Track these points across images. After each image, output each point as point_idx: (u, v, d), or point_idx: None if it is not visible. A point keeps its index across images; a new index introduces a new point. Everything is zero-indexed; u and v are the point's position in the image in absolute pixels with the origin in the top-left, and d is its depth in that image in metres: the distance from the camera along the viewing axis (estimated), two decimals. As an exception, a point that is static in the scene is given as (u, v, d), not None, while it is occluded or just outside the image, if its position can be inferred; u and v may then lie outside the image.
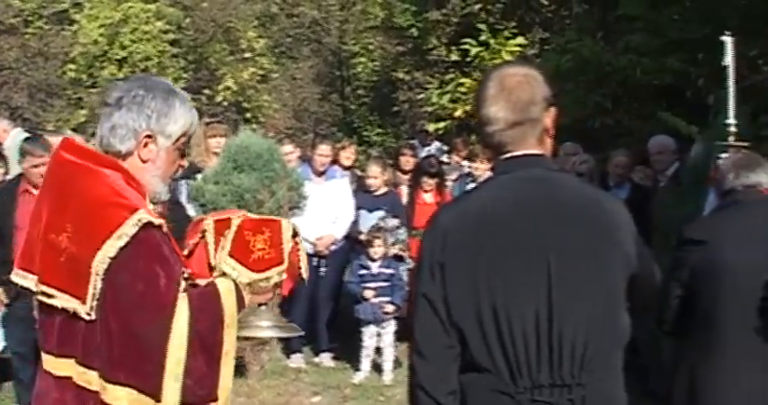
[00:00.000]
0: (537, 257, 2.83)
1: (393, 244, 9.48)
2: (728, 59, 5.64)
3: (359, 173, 11.17)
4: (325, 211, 9.41)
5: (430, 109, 17.41)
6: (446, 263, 2.85)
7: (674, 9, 15.29)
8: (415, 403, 2.94)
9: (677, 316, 4.30)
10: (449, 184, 10.41)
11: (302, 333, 3.89)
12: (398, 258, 9.36)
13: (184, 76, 22.14)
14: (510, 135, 2.95)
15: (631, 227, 3.01)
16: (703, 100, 11.10)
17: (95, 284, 2.87)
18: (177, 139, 3.20)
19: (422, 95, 19.58)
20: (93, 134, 3.60)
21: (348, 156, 10.66)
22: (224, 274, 3.17)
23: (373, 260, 9.07)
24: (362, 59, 24.76)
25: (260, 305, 3.29)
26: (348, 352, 9.61)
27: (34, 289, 3.04)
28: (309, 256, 9.41)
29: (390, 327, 9.08)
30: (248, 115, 23.09)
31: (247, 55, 23.66)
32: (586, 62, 13.98)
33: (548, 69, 14.36)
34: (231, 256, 3.18)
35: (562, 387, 2.80)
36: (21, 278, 3.11)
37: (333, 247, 9.58)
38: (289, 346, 9.63)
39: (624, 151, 9.99)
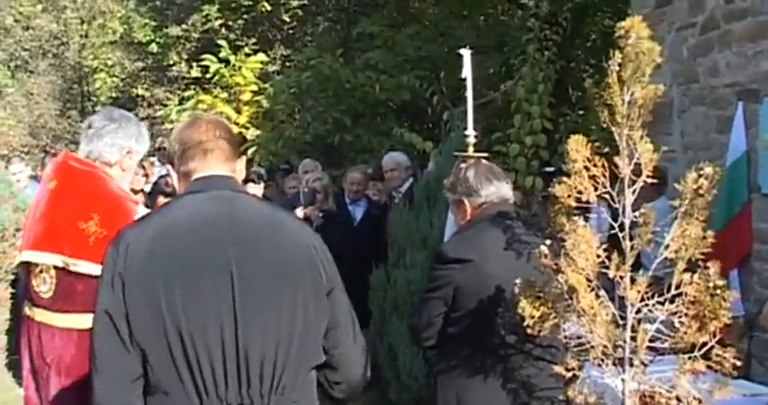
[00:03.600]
0: (218, 276, 2.82)
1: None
2: (467, 72, 5.67)
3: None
4: (56, 231, 9.05)
5: (170, 126, 17.13)
6: (125, 279, 2.81)
7: (412, 28, 15.70)
8: None
9: (441, 332, 4.28)
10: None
11: None
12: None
13: None
14: (201, 153, 3.06)
15: (320, 248, 3.04)
16: (440, 116, 11.38)
17: None
18: (141, 156, 4.58)
19: (161, 112, 19.26)
20: None
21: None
22: None
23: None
24: (102, 75, 24.06)
25: None
26: (83, 378, 9.25)
27: (59, 264, 4.25)
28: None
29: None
30: (-21, 133, 22.05)
31: (-22, 69, 22.60)
32: (326, 79, 14.12)
33: (287, 86, 14.52)
34: None
35: None
36: (39, 256, 4.34)
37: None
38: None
39: (359, 168, 10.08)
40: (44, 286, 4.35)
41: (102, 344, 2.83)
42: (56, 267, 4.28)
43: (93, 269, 3.93)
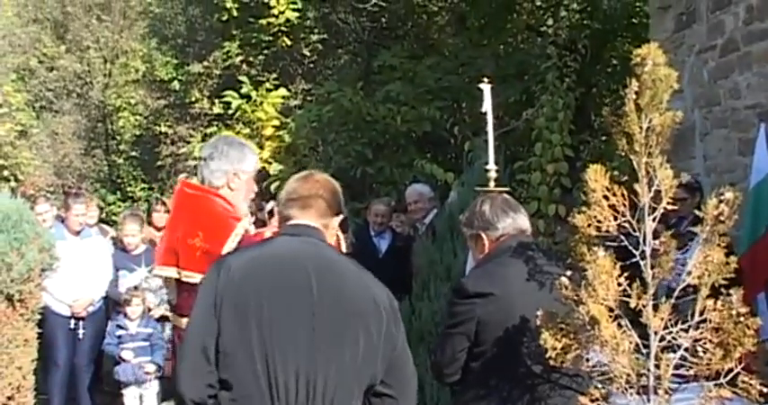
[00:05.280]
0: (301, 305, 3.28)
1: (159, 304, 9.25)
2: (487, 106, 5.65)
3: (107, 229, 10.85)
4: (83, 270, 9.09)
5: (193, 163, 17.16)
6: (223, 299, 3.30)
7: (432, 58, 15.71)
8: None
9: (463, 367, 4.24)
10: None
11: None
12: (165, 319, 9.09)
13: (-66, 133, 20.95)
14: (300, 205, 3.58)
15: (390, 305, 3.47)
16: (461, 147, 11.37)
17: None
18: (251, 174, 5.22)
19: (184, 149, 19.33)
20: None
21: (92, 214, 10.23)
22: None
23: (131, 320, 8.81)
24: (125, 114, 24.20)
25: None
26: (112, 416, 9.28)
27: (176, 276, 5.04)
28: (66, 318, 9.06)
29: (153, 388, 8.82)
30: (5, 173, 22.04)
31: (3, 110, 22.63)
32: (347, 112, 14.13)
33: (309, 120, 14.54)
34: None
35: None
36: (163, 271, 5.18)
37: (91, 309, 9.21)
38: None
39: (383, 200, 10.11)
40: (172, 295, 5.38)
41: (188, 354, 3.34)
42: (176, 280, 5.09)
43: (197, 278, 4.61)
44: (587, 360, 3.23)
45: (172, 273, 5.12)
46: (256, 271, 3.36)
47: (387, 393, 3.46)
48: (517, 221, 4.39)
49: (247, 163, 5.23)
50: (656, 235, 3.19)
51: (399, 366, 3.47)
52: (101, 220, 10.60)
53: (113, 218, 18.13)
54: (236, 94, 15.82)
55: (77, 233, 9.37)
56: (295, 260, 3.40)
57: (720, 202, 3.09)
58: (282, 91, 16.13)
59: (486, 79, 5.65)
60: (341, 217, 3.74)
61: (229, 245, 4.80)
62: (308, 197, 3.59)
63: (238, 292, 3.29)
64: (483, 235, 4.40)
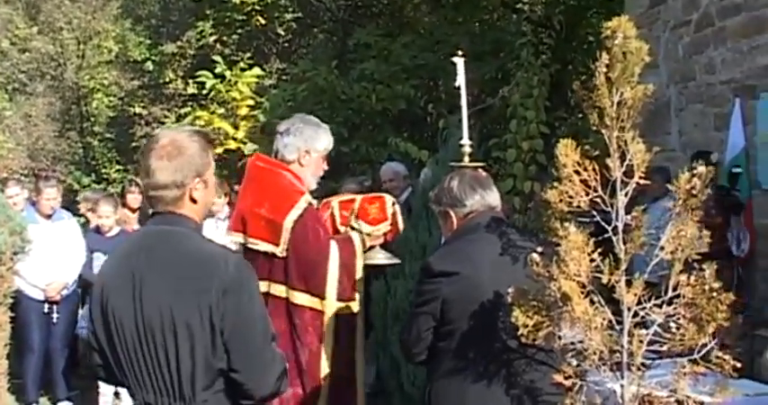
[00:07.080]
0: (130, 297, 3.34)
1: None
2: (461, 80, 5.56)
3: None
4: (55, 253, 9.02)
5: (168, 143, 17.03)
6: (92, 295, 3.54)
7: (408, 36, 15.66)
8: None
9: (432, 347, 4.17)
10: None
11: (399, 261, 6.21)
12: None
13: None
14: (153, 196, 3.48)
15: (218, 286, 3.30)
16: (437, 124, 11.33)
17: (286, 236, 5.21)
18: (321, 153, 5.53)
19: (159, 130, 19.21)
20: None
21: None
22: (353, 229, 5.59)
23: (106, 303, 8.74)
24: (99, 95, 24.03)
25: (372, 247, 5.63)
26: (88, 399, 9.20)
27: (243, 242, 5.44)
28: (40, 302, 8.99)
29: (129, 370, 8.77)
30: (-23, 156, 21.90)
31: (-26, 93, 22.46)
32: (322, 91, 14.08)
33: (283, 99, 14.47)
34: (357, 217, 5.66)
35: None
36: (235, 236, 5.54)
37: (64, 292, 9.14)
38: (25, 399, 9.12)
39: (355, 179, 10.06)
40: None
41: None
42: (243, 245, 5.48)
43: (263, 246, 5.32)
44: (559, 337, 3.19)
45: (240, 238, 5.51)
46: (105, 266, 3.61)
47: (235, 379, 3.34)
48: (486, 198, 4.29)
49: (320, 143, 5.52)
50: (628, 210, 3.16)
51: (241, 348, 3.34)
52: (65, 207, 10.40)
53: (88, 200, 17.99)
54: (210, 74, 15.71)
55: (49, 216, 9.30)
56: (134, 252, 3.45)
57: (693, 176, 3.06)
58: (257, 70, 16.03)
59: (459, 53, 5.59)
60: (199, 176, 3.45)
61: (291, 217, 5.19)
62: (149, 198, 3.50)
63: (95, 291, 3.51)
64: (451, 212, 4.31)
